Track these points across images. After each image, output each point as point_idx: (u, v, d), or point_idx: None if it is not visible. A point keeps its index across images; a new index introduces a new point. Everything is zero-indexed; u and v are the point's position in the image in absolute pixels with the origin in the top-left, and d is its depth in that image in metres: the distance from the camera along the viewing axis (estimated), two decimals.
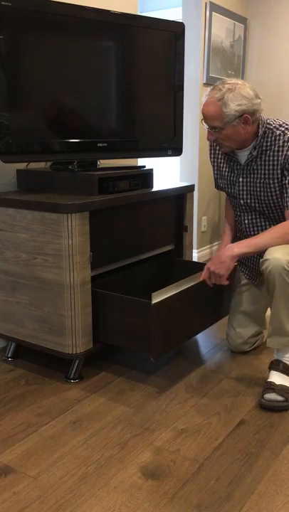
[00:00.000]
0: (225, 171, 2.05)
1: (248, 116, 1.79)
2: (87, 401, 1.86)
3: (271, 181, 1.88)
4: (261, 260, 1.79)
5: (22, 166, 2.25)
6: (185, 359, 2.20)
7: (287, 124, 1.86)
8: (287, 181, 1.84)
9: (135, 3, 2.81)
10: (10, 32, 1.83)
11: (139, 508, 1.33)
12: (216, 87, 1.81)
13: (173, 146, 2.43)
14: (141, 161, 3.08)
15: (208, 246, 3.95)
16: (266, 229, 2.00)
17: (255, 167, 1.92)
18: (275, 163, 1.86)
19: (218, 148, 2.00)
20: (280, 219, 1.95)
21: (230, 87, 1.78)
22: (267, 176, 1.89)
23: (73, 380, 2.00)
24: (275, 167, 1.86)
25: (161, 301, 1.80)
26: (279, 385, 1.80)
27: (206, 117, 1.84)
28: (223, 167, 2.05)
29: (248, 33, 4.10)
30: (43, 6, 1.89)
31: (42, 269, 1.92)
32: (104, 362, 2.17)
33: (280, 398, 1.78)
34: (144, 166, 2.37)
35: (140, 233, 2.22)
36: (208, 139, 1.91)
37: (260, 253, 1.96)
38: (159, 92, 2.35)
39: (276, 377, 1.82)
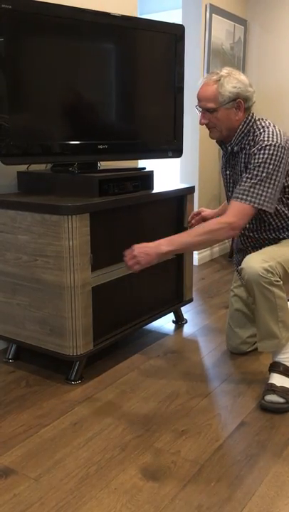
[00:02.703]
0: (221, 162, 2.12)
1: (241, 102, 1.84)
2: (87, 402, 1.86)
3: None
4: (239, 268, 1.81)
5: (23, 167, 2.25)
6: (185, 361, 2.20)
7: (272, 136, 1.81)
8: (245, 175, 1.81)
9: (135, 5, 2.81)
10: (10, 34, 1.83)
11: (140, 510, 1.33)
12: (213, 72, 1.89)
13: (173, 148, 2.43)
14: (141, 163, 3.08)
15: (209, 248, 3.96)
16: (250, 224, 2.02)
17: (234, 162, 1.96)
18: (247, 163, 1.88)
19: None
20: (261, 216, 1.96)
21: (227, 72, 1.86)
22: (240, 174, 1.93)
23: (74, 381, 2.00)
24: (244, 168, 1.90)
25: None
26: (280, 386, 1.80)
27: (201, 99, 1.88)
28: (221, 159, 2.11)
29: (248, 35, 4.11)
30: (44, 8, 1.90)
31: (42, 271, 1.92)
32: (105, 363, 2.17)
33: (281, 400, 1.78)
34: (145, 168, 2.37)
35: (141, 235, 2.22)
36: (200, 123, 1.93)
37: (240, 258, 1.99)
38: (159, 94, 2.35)
39: (277, 379, 1.82)
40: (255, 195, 1.76)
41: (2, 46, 1.82)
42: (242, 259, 2.16)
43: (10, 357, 2.20)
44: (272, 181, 1.77)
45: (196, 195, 3.62)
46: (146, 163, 3.39)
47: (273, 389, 1.80)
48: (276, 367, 1.85)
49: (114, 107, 2.21)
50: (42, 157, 2.03)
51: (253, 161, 1.79)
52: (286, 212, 1.92)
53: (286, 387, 1.80)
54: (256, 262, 1.75)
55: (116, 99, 2.21)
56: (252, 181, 1.77)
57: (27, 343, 2.06)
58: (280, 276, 1.75)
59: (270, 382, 1.83)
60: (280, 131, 1.84)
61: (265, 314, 1.77)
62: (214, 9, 3.55)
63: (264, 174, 1.75)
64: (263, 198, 1.76)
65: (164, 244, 1.79)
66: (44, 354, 2.08)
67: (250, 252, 2.07)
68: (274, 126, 1.86)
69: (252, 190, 1.76)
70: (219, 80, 1.84)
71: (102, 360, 2.20)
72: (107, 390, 1.95)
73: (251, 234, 2.04)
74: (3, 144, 1.89)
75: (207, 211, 2.33)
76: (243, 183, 1.79)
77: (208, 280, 3.41)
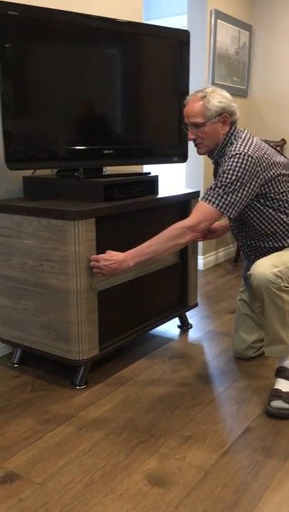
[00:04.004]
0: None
1: (227, 116, 1.89)
2: (92, 407, 1.86)
3: None
4: (248, 273, 1.81)
5: (28, 172, 2.26)
6: (190, 366, 2.20)
7: (242, 146, 1.83)
8: (214, 181, 1.87)
9: (140, 11, 2.83)
10: (17, 41, 1.85)
11: None
12: (198, 90, 1.93)
13: (178, 153, 2.44)
14: (146, 168, 3.09)
15: (214, 252, 3.95)
16: (243, 232, 2.03)
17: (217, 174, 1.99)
18: None
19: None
20: (250, 222, 1.96)
21: (212, 89, 1.91)
22: None
23: (79, 386, 2.00)
24: None
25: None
26: (286, 392, 1.79)
27: (188, 115, 1.92)
28: None
29: (253, 40, 4.12)
30: (49, 15, 1.91)
31: (48, 276, 1.93)
32: (110, 368, 2.17)
33: (286, 406, 1.77)
34: (150, 173, 2.38)
35: (145, 240, 2.22)
36: (188, 139, 1.97)
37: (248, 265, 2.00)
38: (165, 99, 2.36)
39: (283, 384, 1.82)
40: (218, 197, 1.81)
41: (8, 52, 1.83)
42: (249, 265, 2.16)
43: (15, 362, 2.20)
44: (236, 188, 1.80)
45: None
46: (151, 168, 3.40)
47: (279, 394, 1.79)
48: (282, 372, 1.84)
49: (119, 112, 2.22)
50: (47, 162, 2.04)
51: (221, 168, 1.84)
52: (283, 217, 1.92)
53: None
54: (265, 267, 1.75)
55: (121, 105, 2.22)
56: (217, 186, 1.82)
57: (32, 347, 2.06)
58: (288, 282, 1.75)
59: (275, 387, 1.82)
60: (253, 142, 1.86)
61: (274, 320, 1.77)
62: (219, 15, 3.56)
63: (228, 180, 1.80)
64: (224, 201, 1.81)
65: (130, 259, 1.87)
66: (49, 359, 2.08)
67: (254, 260, 2.08)
68: (250, 137, 1.89)
69: (215, 193, 1.82)
70: (205, 96, 1.89)
71: (107, 365, 2.20)
72: (112, 395, 1.95)
73: (249, 242, 2.04)
74: (9, 149, 1.90)
75: None
76: (210, 187, 1.85)
77: (213, 285, 3.40)
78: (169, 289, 2.44)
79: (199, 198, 1.87)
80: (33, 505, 1.37)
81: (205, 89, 1.91)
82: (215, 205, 1.81)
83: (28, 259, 1.98)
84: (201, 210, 1.83)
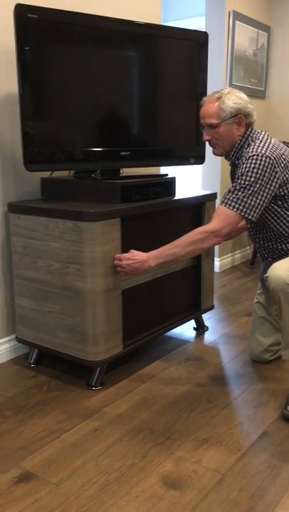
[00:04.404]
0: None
1: (242, 117, 1.88)
2: (108, 408, 1.86)
3: None
4: (265, 276, 1.80)
5: (46, 174, 2.28)
6: (206, 368, 2.19)
7: (259, 147, 1.82)
8: (232, 184, 1.86)
9: (159, 13, 2.83)
10: (36, 43, 1.86)
11: None
12: (214, 92, 1.94)
13: (195, 155, 2.43)
14: (163, 169, 3.09)
15: (230, 254, 3.93)
16: (261, 234, 2.02)
17: (235, 175, 1.98)
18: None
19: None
20: (267, 224, 1.95)
21: (228, 90, 1.91)
22: None
23: (95, 387, 2.01)
24: None
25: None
26: None
27: (204, 116, 1.91)
28: None
29: (272, 41, 4.09)
30: (68, 17, 1.92)
31: (74, 278, 1.92)
32: (126, 369, 2.17)
33: None
34: (167, 174, 2.37)
35: (162, 241, 2.22)
36: (203, 140, 1.96)
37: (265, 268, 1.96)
38: (182, 100, 2.36)
39: None
40: (238, 200, 1.80)
41: (28, 55, 1.85)
42: (266, 268, 2.15)
43: (32, 362, 2.21)
44: (256, 189, 1.79)
45: (217, 201, 3.61)
46: (168, 170, 3.40)
47: None
48: None
49: (136, 114, 2.22)
50: (65, 164, 2.05)
51: (239, 171, 1.82)
52: None
53: None
54: (283, 270, 1.73)
55: (139, 106, 2.23)
56: (236, 189, 1.81)
57: (56, 350, 2.06)
58: None
59: None
60: (271, 143, 1.84)
61: None
62: (237, 16, 3.55)
63: (247, 183, 1.79)
64: (245, 204, 1.80)
65: (152, 259, 1.88)
66: (65, 359, 2.09)
67: (271, 263, 2.06)
68: (268, 138, 1.87)
69: (234, 197, 1.81)
70: (221, 97, 1.88)
71: (123, 367, 2.20)
72: (127, 396, 1.95)
73: (266, 244, 2.02)
74: (28, 151, 1.91)
75: None
76: (229, 190, 1.84)
77: (229, 287, 3.38)
78: (185, 291, 2.43)
79: (219, 202, 1.86)
80: (49, 505, 1.37)
81: (222, 91, 1.90)
82: (235, 209, 1.80)
83: (53, 261, 1.98)
84: (222, 215, 1.82)
